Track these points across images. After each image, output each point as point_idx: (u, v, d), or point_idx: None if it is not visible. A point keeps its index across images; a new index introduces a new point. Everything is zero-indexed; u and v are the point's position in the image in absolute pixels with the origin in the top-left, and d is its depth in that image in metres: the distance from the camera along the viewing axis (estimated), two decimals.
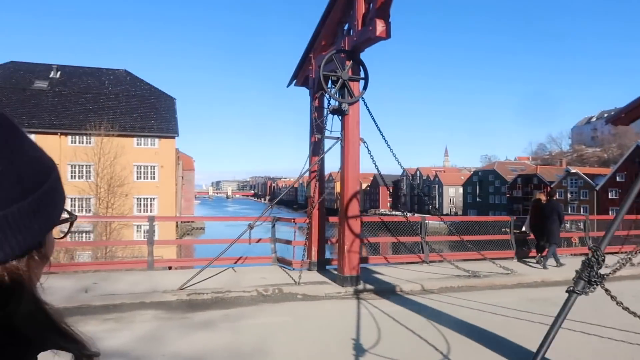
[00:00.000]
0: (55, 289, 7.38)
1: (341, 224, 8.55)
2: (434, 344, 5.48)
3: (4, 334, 0.55)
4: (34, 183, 0.61)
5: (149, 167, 41.80)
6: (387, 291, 8.26)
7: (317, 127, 9.50)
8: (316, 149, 9.78)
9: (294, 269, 9.39)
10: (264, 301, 7.55)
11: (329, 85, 8.94)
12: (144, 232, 39.14)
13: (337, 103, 8.81)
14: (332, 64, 9.08)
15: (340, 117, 8.91)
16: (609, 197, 62.21)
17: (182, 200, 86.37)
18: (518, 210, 69.48)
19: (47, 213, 0.63)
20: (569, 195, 70.14)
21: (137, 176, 41.12)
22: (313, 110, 10.06)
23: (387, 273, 9.49)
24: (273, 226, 10.45)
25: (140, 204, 41.12)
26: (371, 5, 8.16)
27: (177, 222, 46.84)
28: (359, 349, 5.34)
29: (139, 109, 43.58)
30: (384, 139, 9.21)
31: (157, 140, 42.12)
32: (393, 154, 9.29)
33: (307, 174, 9.87)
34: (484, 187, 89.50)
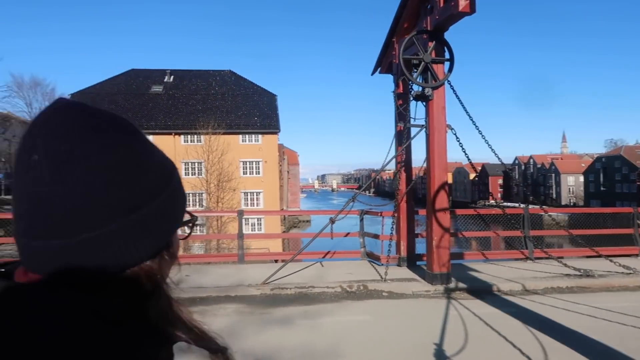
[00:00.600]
0: None
1: (429, 218, 8.00)
2: (528, 354, 4.82)
3: (142, 328, 0.57)
4: (159, 186, 0.63)
5: (254, 163, 43.71)
6: (481, 290, 7.57)
7: (400, 115, 8.99)
8: (402, 138, 9.26)
9: (382, 265, 9.02)
10: (346, 298, 7.30)
11: (412, 70, 8.39)
12: (251, 226, 41.35)
13: (420, 88, 8.24)
14: (414, 48, 8.53)
15: (424, 103, 8.33)
16: None
17: (289, 193, 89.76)
18: None
19: (173, 214, 0.66)
20: None
21: (243, 171, 43.19)
22: (396, 98, 9.55)
23: (483, 270, 8.73)
24: (361, 220, 10.16)
25: (247, 198, 43.19)
26: None
27: (284, 216, 48.55)
28: (439, 355, 4.88)
29: (243, 107, 45.71)
30: (474, 124, 8.45)
31: (260, 136, 43.88)
32: (485, 140, 8.50)
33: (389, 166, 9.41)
34: (609, 175, 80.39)
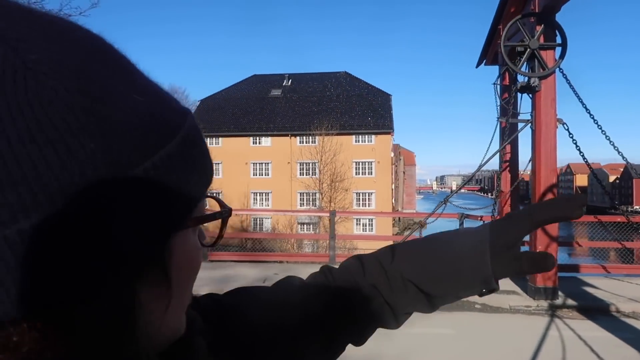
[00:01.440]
0: (238, 277, 8.07)
1: None
2: None
3: None
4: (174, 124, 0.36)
5: (366, 163, 43.68)
6: (595, 310, 6.51)
7: (502, 109, 8.14)
8: (505, 135, 8.40)
9: None
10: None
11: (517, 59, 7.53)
12: (363, 226, 41.39)
13: (525, 79, 7.37)
14: (521, 34, 7.65)
15: (530, 95, 7.44)
16: None
17: (404, 194, 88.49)
18: None
19: (192, 175, 0.37)
20: None
21: (356, 172, 43.39)
22: (500, 90, 8.69)
23: (602, 287, 7.52)
24: (461, 224, 9.42)
25: (359, 199, 43.33)
26: None
27: (398, 217, 47.93)
28: None
29: (357, 107, 45.94)
30: (592, 117, 7.31)
31: (373, 136, 43.72)
32: (606, 136, 7.28)
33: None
34: None
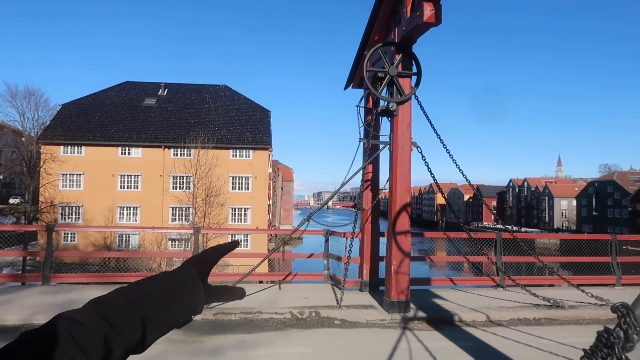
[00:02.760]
0: (84, 301, 7.24)
1: (388, 241, 7.47)
2: None
3: None
4: None
5: (244, 178, 43.16)
6: (441, 320, 7.01)
7: (365, 130, 8.54)
8: (369, 155, 8.80)
9: (343, 289, 8.44)
10: (294, 325, 6.73)
11: (378, 84, 7.97)
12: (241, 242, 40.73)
13: (385, 103, 7.82)
14: (382, 61, 8.13)
15: (389, 118, 7.89)
16: None
17: (282, 210, 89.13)
18: None
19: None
20: None
21: (232, 187, 42.62)
22: (365, 113, 9.12)
23: (448, 298, 8.17)
24: (326, 240, 9.63)
25: (235, 214, 42.54)
26: None
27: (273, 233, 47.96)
28: None
29: (235, 122, 45.37)
30: (442, 141, 8.01)
31: (251, 151, 43.43)
32: (452, 157, 8.02)
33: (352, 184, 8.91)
34: (602, 200, 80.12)
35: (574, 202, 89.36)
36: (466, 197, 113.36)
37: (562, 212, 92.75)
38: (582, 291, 7.87)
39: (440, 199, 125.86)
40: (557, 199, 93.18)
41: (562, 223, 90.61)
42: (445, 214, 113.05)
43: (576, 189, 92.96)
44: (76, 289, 8.15)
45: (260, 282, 10.29)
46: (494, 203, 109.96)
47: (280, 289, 8.75)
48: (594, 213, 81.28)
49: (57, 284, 8.51)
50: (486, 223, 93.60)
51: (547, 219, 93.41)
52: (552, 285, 10.08)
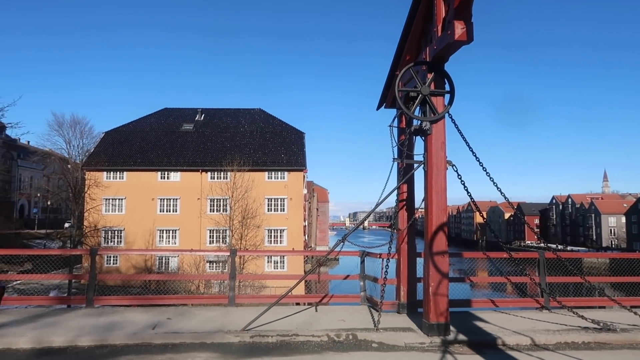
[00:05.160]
0: (126, 323, 7.41)
1: (426, 262, 7.32)
2: None
3: None
4: None
5: (279, 200, 43.53)
6: (483, 344, 6.76)
7: (399, 150, 8.49)
8: (403, 175, 8.73)
9: (381, 311, 8.30)
10: (331, 348, 6.64)
11: (411, 103, 7.95)
12: (274, 263, 40.82)
13: (418, 122, 7.76)
14: (415, 81, 8.12)
15: (422, 138, 7.83)
16: None
17: (317, 231, 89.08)
18: None
19: None
20: None
21: (268, 208, 43.02)
22: (397, 133, 9.09)
23: (490, 320, 7.90)
24: (362, 262, 9.53)
25: (271, 235, 42.84)
26: (450, 6, 7.10)
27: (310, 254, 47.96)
28: None
29: (270, 144, 46.05)
30: (477, 159, 7.86)
31: (286, 173, 43.85)
32: (488, 174, 7.85)
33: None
34: None
35: (623, 219, 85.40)
36: (507, 216, 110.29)
37: (611, 230, 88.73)
38: (635, 313, 7.45)
39: (479, 218, 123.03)
40: (605, 216, 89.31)
41: (611, 241, 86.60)
42: (485, 233, 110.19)
43: (625, 204, 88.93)
44: (118, 312, 8.34)
45: (297, 304, 10.26)
46: (537, 221, 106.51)
47: (316, 311, 8.69)
48: None
49: (100, 307, 8.74)
50: (529, 242, 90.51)
51: (594, 237, 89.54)
52: (603, 307, 9.58)
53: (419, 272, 8.53)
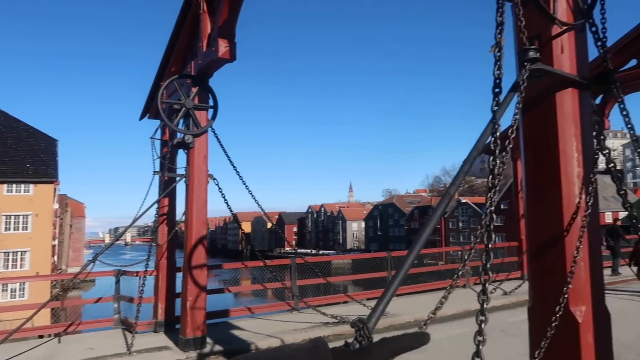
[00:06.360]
0: None
1: (184, 276, 7.27)
2: None
3: None
4: None
5: (21, 217, 37.09)
6: (238, 351, 7.04)
7: (161, 164, 8.30)
8: (164, 189, 8.51)
9: (134, 333, 7.82)
10: None
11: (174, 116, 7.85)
12: (11, 292, 34.37)
13: (181, 135, 7.73)
14: (179, 93, 8.05)
15: (185, 151, 7.81)
16: (496, 224, 66.76)
17: (70, 250, 78.77)
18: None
19: None
20: (460, 224, 74.43)
21: (7, 227, 36.29)
22: (160, 145, 8.86)
23: (247, 328, 8.30)
24: (117, 282, 8.86)
25: (9, 259, 36.13)
26: (215, 23, 7.33)
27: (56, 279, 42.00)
28: None
29: (12, 151, 38.82)
30: (237, 173, 8.23)
31: (32, 186, 37.69)
32: (248, 190, 8.32)
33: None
34: (384, 221, 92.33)
35: (363, 224, 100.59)
36: (269, 225, 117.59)
37: (354, 234, 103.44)
38: (364, 306, 8.86)
39: (246, 228, 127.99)
40: (349, 222, 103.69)
41: (354, 244, 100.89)
42: (249, 243, 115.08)
43: (364, 212, 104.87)
44: None
45: (41, 336, 8.86)
46: (295, 229, 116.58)
47: (59, 342, 7.69)
48: (378, 232, 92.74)
49: None
50: (288, 249, 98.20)
51: (341, 241, 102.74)
52: (346, 302, 10.91)
53: (179, 287, 8.41)
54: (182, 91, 7.93)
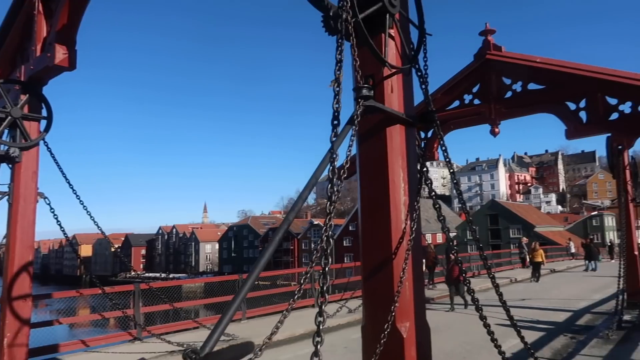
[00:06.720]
0: None
1: (2, 309, 6.32)
2: None
3: None
4: None
5: None
6: None
7: None
8: None
9: None
10: None
11: None
12: None
13: (5, 148, 6.80)
14: (4, 100, 7.09)
15: (10, 165, 6.89)
16: (344, 244, 70.81)
17: None
18: (271, 263, 73.03)
19: None
20: (312, 245, 77.26)
21: None
22: None
23: None
24: None
25: None
26: (52, 27, 6.67)
27: None
28: None
29: None
30: (72, 189, 7.41)
31: None
32: (84, 207, 7.53)
33: None
34: (239, 242, 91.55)
35: (217, 246, 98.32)
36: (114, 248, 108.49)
37: (207, 256, 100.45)
38: (209, 329, 8.61)
39: (85, 251, 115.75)
40: (203, 244, 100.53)
41: (207, 266, 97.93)
42: (91, 267, 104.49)
43: (219, 233, 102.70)
44: None
45: None
46: (143, 251, 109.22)
47: None
48: (232, 254, 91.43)
49: None
50: (134, 273, 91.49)
51: (193, 263, 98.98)
52: (197, 328, 10.43)
53: None
54: (7, 98, 7.01)
